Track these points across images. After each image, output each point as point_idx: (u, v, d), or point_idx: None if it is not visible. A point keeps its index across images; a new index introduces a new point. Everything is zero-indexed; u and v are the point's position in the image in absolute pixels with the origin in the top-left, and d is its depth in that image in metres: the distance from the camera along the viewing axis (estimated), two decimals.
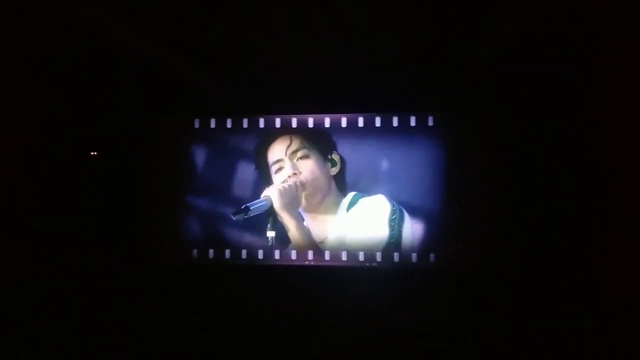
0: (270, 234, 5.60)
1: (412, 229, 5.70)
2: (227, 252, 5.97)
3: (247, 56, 5.08)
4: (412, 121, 5.83)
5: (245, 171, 5.97)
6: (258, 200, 5.55)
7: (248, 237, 5.92)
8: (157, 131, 6.09)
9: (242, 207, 5.33)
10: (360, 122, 5.91)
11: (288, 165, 5.76)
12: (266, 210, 5.53)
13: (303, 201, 5.73)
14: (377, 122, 5.88)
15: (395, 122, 5.86)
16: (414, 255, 5.74)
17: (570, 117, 5.21)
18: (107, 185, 5.99)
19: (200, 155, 6.07)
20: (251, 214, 5.38)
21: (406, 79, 5.61)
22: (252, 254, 5.92)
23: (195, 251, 6.01)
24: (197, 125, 6.08)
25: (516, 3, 3.77)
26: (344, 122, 5.92)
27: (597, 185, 4.71)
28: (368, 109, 5.88)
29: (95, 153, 6.06)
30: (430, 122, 5.80)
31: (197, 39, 4.63)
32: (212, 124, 6.07)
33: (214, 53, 4.99)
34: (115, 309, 4.83)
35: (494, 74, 5.05)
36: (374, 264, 5.76)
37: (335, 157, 5.86)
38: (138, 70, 5.23)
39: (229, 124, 6.05)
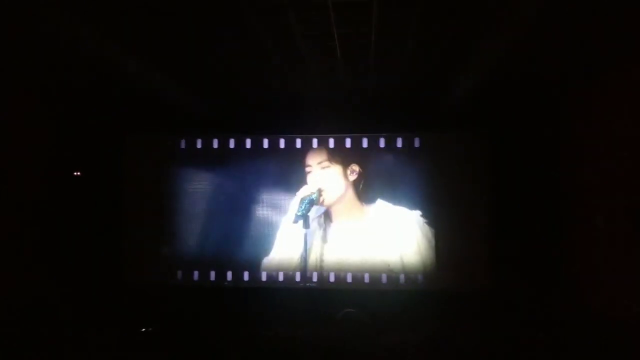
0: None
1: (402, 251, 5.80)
2: (212, 274, 5.88)
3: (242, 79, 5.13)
4: (399, 142, 5.92)
5: (229, 189, 6.03)
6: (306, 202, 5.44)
7: (235, 258, 5.89)
8: (143, 151, 6.06)
9: (300, 214, 5.22)
10: (348, 143, 5.98)
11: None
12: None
13: None
14: (364, 143, 5.96)
15: (382, 143, 5.94)
16: (401, 277, 5.73)
17: (552, 137, 5.36)
18: (91, 206, 5.87)
19: (186, 175, 6.05)
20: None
21: (393, 102, 5.71)
22: (237, 276, 5.85)
23: (180, 272, 5.91)
24: (182, 145, 6.08)
25: (499, 31, 3.90)
26: (331, 142, 5.99)
27: (581, 203, 4.81)
28: (356, 131, 5.96)
29: (79, 173, 5.95)
30: (417, 144, 5.90)
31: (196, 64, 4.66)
32: (198, 145, 6.08)
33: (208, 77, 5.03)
34: (98, 329, 4.69)
35: (479, 98, 5.18)
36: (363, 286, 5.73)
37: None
38: (125, 91, 5.21)
39: (215, 144, 6.07)
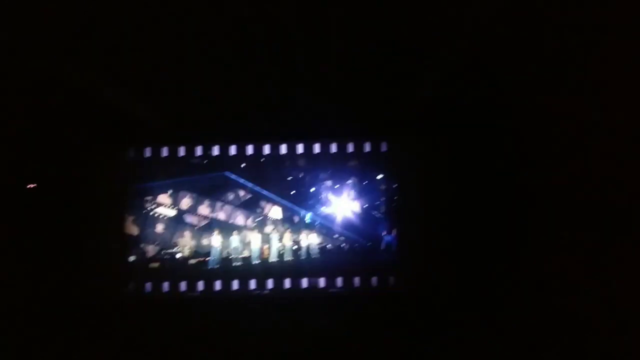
0: None
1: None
2: (183, 285, 5.79)
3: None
4: (367, 147, 5.94)
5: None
6: None
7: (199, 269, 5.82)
8: (104, 162, 5.88)
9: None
10: (317, 148, 5.96)
11: None
12: None
13: None
14: (333, 148, 5.95)
15: (350, 147, 5.94)
16: (374, 279, 5.76)
17: (517, 139, 5.43)
18: (48, 217, 5.66)
19: (148, 185, 5.93)
20: None
21: (358, 107, 5.71)
22: (209, 285, 5.78)
23: (149, 284, 5.79)
24: (147, 154, 5.94)
25: (462, 31, 3.93)
26: (300, 148, 5.96)
27: (550, 205, 4.88)
28: (324, 136, 5.95)
29: (34, 185, 5.74)
30: (384, 148, 5.93)
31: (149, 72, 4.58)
32: (164, 153, 5.96)
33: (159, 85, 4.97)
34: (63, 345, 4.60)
35: (444, 102, 5.22)
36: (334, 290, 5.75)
37: None
38: (82, 102, 5.07)
39: (181, 153, 5.96)
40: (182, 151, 5.95)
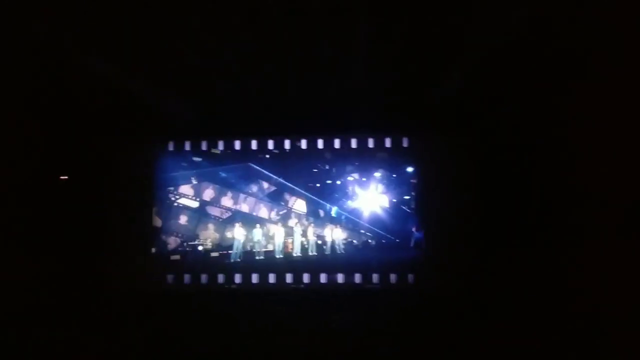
0: None
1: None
2: (204, 277, 5.85)
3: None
4: (387, 142, 5.94)
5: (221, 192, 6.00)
6: None
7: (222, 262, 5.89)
8: (129, 155, 5.95)
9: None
10: (337, 144, 5.98)
11: None
12: None
13: None
14: (353, 143, 5.97)
15: (370, 143, 5.95)
16: (392, 277, 5.77)
17: (541, 137, 5.39)
18: (77, 209, 5.77)
19: (172, 178, 5.99)
20: None
21: (382, 102, 5.71)
22: (229, 278, 5.83)
23: (170, 277, 5.86)
24: (171, 147, 6.02)
25: (485, 30, 3.93)
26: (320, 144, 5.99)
27: (570, 205, 4.84)
28: (345, 132, 5.97)
29: (66, 177, 5.85)
30: (405, 144, 5.92)
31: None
32: (187, 147, 6.02)
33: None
34: (84, 336, 4.66)
35: (468, 98, 5.20)
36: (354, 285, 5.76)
37: None
38: (108, 96, 5.14)
39: (204, 147, 6.02)
40: (204, 145, 6.02)
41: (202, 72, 4.87)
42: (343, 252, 5.95)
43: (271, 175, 5.98)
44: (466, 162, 5.71)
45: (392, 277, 5.76)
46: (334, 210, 6.02)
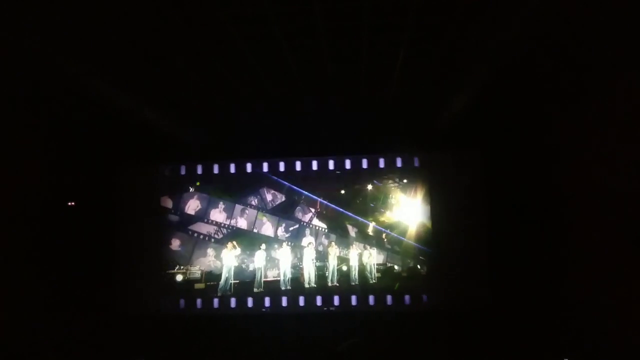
0: None
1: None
2: (215, 302, 5.81)
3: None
4: (399, 162, 5.92)
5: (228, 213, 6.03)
6: None
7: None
8: (138, 180, 6.01)
9: None
10: (348, 164, 5.98)
11: None
12: None
13: None
14: (364, 163, 5.96)
15: (381, 163, 5.94)
16: (406, 298, 5.68)
17: (548, 155, 5.34)
18: (86, 235, 5.79)
19: (181, 201, 6.01)
20: None
21: (392, 122, 5.74)
22: (242, 302, 5.79)
23: (182, 301, 5.83)
24: (182, 172, 6.07)
25: (492, 49, 3.94)
26: (331, 164, 6.00)
27: (578, 222, 4.77)
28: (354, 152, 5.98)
29: (73, 203, 5.89)
30: (416, 163, 5.90)
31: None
32: (199, 170, 6.07)
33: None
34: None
35: (475, 116, 5.19)
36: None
37: None
38: (117, 122, 5.24)
39: (215, 170, 6.06)
40: (216, 169, 6.06)
41: (215, 96, 4.96)
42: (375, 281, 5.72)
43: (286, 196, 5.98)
44: (477, 180, 5.64)
45: (406, 299, 5.67)
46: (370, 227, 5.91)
